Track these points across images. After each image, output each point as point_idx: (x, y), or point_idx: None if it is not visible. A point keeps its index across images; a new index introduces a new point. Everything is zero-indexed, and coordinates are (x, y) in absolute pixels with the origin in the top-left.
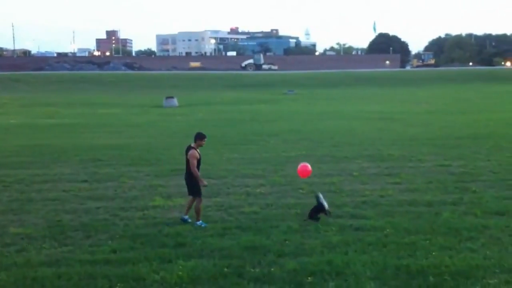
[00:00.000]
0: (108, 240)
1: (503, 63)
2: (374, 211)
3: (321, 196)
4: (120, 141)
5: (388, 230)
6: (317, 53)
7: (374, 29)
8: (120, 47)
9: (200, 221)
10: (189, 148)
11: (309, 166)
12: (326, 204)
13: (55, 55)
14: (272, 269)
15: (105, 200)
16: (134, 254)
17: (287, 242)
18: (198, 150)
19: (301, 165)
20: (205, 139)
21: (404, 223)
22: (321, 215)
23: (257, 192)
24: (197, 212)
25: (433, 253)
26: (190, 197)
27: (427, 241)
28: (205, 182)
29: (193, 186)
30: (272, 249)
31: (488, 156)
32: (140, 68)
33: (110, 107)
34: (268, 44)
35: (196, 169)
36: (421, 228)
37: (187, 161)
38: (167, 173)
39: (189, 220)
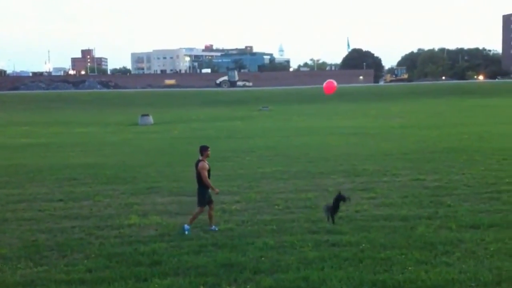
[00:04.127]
0: (84, 260)
1: (475, 77)
2: (349, 226)
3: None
4: (96, 160)
5: (364, 245)
6: (291, 69)
7: (348, 46)
8: (95, 65)
9: (188, 226)
10: (198, 161)
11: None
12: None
13: (30, 74)
14: (248, 287)
15: (81, 219)
16: (110, 273)
17: (263, 258)
18: (206, 161)
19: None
20: (209, 149)
21: (380, 238)
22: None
23: (232, 209)
24: (193, 218)
25: (409, 268)
26: (207, 209)
27: (403, 256)
28: (217, 190)
29: (200, 196)
30: (248, 266)
31: (462, 170)
32: (115, 86)
33: (86, 126)
34: (242, 61)
35: (207, 179)
36: (396, 243)
37: (198, 174)
38: (143, 191)
39: (216, 229)
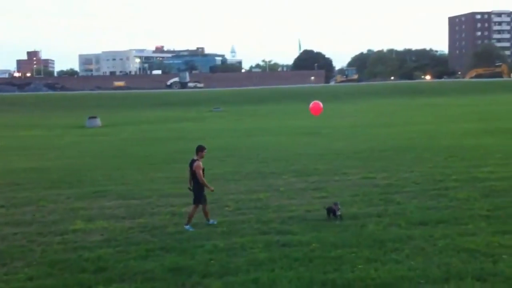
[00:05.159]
0: (25, 268)
1: (423, 76)
2: (300, 226)
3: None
4: (40, 164)
5: (314, 244)
6: (243, 70)
7: (300, 47)
8: (42, 67)
9: (189, 226)
10: (193, 161)
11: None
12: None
13: None
14: None
15: (23, 226)
16: (52, 281)
17: (212, 261)
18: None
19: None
20: (205, 150)
21: (330, 237)
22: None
23: (182, 212)
24: (190, 217)
25: (359, 266)
26: (200, 206)
27: (353, 254)
28: (212, 188)
29: (198, 194)
30: (197, 270)
31: (411, 168)
32: (62, 88)
33: (30, 129)
34: (194, 62)
35: (203, 178)
36: (347, 241)
37: (194, 173)
38: (89, 195)
39: (215, 223)
